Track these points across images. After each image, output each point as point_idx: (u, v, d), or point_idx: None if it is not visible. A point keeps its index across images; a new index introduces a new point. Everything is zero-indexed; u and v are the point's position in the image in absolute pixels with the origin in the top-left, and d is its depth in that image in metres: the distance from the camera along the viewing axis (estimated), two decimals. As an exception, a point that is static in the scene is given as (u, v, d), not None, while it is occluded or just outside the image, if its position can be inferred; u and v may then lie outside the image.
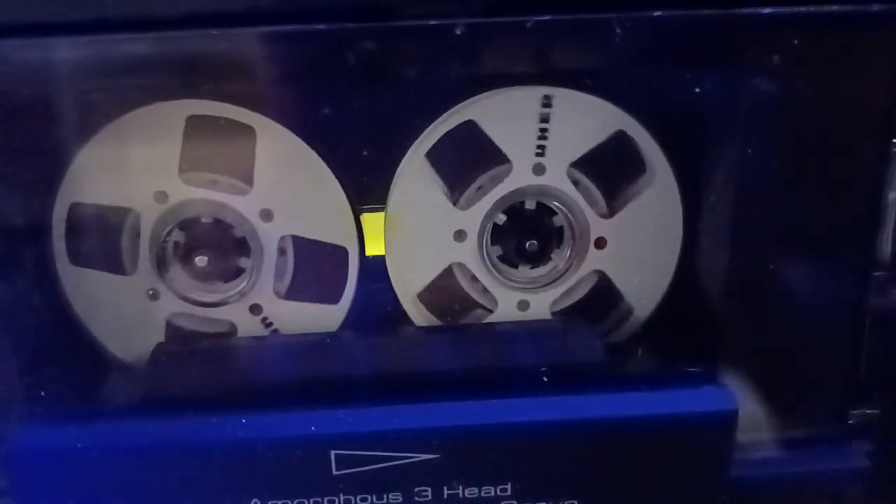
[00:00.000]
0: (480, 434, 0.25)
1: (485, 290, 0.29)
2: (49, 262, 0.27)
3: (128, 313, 0.28)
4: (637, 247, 0.29)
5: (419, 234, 0.28)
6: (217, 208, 0.28)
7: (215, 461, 0.25)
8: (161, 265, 0.28)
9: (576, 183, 0.28)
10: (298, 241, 0.28)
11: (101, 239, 0.28)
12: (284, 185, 0.28)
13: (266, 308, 0.29)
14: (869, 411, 0.29)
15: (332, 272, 0.29)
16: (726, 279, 0.28)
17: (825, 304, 0.28)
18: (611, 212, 0.28)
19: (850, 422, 0.29)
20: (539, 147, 0.27)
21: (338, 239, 0.28)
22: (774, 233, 0.27)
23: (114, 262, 0.28)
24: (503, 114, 0.27)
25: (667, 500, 0.26)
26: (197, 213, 0.28)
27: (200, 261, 0.28)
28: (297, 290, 0.29)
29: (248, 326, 0.29)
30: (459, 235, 0.28)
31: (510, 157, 0.27)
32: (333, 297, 0.29)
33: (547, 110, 0.27)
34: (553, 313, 0.30)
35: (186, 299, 0.28)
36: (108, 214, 0.28)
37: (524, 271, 0.29)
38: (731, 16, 0.23)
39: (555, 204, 0.28)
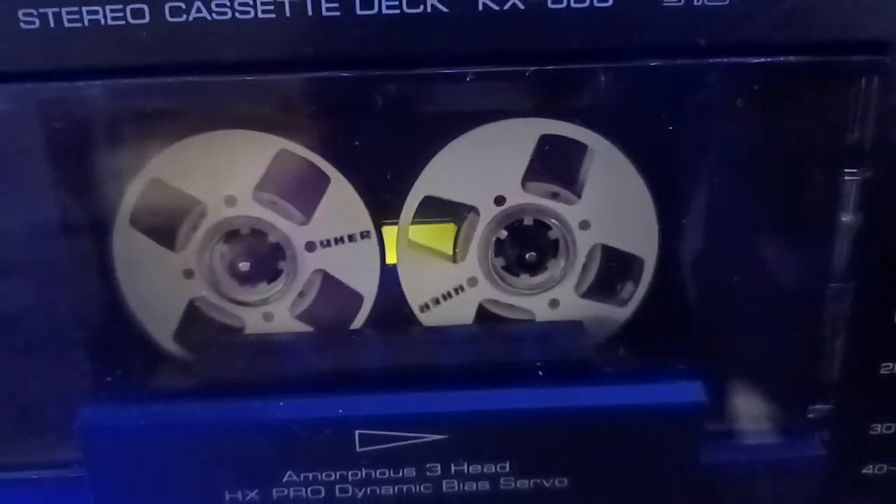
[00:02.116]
0: (483, 418, 0.28)
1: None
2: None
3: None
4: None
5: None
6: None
7: (255, 438, 0.28)
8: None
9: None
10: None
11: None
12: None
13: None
14: (825, 407, 0.31)
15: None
16: (699, 289, 0.30)
17: (787, 313, 0.30)
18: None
19: (810, 416, 0.31)
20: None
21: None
22: (743, 249, 0.30)
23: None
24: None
25: (644, 480, 0.29)
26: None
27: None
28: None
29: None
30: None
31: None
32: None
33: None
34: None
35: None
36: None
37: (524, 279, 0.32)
38: (701, 65, 0.26)
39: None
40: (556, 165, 0.30)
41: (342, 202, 0.30)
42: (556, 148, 0.29)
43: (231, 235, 0.31)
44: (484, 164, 0.29)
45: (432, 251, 0.31)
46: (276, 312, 0.31)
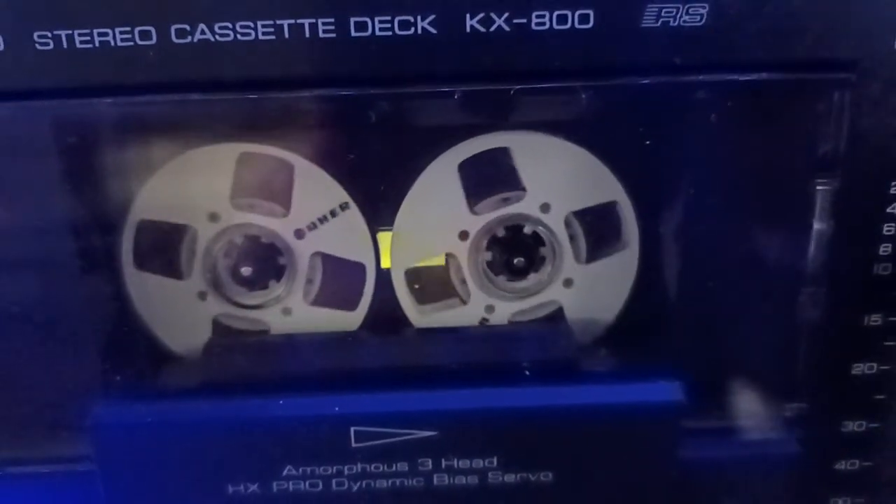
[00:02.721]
0: (471, 416, 0.29)
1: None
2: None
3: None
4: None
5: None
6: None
7: (257, 435, 0.29)
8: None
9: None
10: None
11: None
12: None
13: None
14: (799, 405, 0.31)
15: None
16: (679, 294, 0.31)
17: (763, 316, 0.31)
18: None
19: (785, 414, 0.32)
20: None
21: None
22: (722, 257, 0.30)
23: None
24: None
25: (625, 475, 0.30)
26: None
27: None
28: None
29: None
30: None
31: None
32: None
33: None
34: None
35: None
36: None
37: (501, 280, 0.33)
38: (679, 83, 0.27)
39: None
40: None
41: (312, 184, 0.31)
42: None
43: (230, 247, 0.32)
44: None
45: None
46: (292, 305, 0.32)
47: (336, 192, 0.31)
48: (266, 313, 0.33)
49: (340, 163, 0.31)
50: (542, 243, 0.32)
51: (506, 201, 0.32)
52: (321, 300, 0.33)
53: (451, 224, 0.32)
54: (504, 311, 0.33)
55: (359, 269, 0.32)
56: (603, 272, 0.33)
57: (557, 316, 0.33)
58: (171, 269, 0.32)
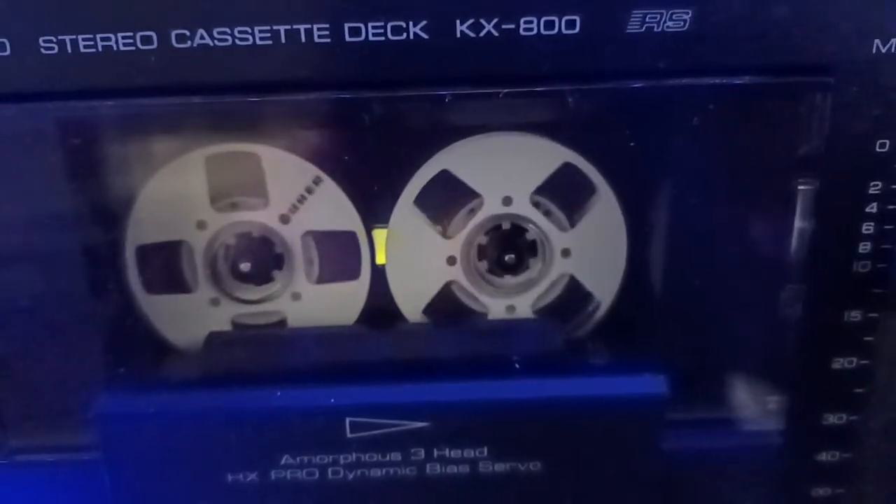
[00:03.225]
0: (462, 407, 0.30)
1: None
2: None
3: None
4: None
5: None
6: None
7: (255, 425, 0.30)
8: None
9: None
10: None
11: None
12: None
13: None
14: (782, 398, 0.32)
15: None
16: (666, 291, 0.32)
17: (746, 312, 0.32)
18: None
19: (768, 407, 0.32)
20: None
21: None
22: (707, 255, 0.31)
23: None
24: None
25: (612, 465, 0.31)
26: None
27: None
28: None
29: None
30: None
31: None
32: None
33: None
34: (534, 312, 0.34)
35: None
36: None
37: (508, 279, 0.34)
38: (663, 86, 0.28)
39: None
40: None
41: (279, 167, 0.32)
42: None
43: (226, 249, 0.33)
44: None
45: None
46: (300, 290, 0.33)
47: (309, 172, 0.32)
48: (278, 303, 0.34)
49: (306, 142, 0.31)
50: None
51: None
52: (325, 277, 0.33)
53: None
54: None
55: (350, 237, 0.33)
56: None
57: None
58: (179, 285, 0.33)
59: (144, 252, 0.32)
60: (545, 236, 0.33)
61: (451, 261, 0.33)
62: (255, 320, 0.34)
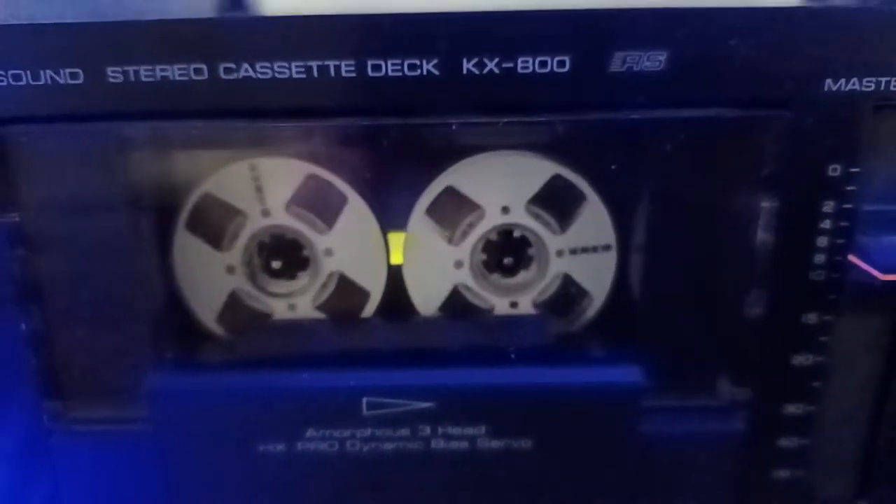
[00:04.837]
0: (464, 391, 0.32)
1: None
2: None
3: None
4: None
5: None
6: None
7: (284, 402, 0.32)
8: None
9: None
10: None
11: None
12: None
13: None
14: (747, 390, 0.34)
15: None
16: (646, 295, 0.35)
17: (717, 314, 0.34)
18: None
19: (735, 398, 0.34)
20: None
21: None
22: (680, 263, 0.33)
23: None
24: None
25: (593, 445, 0.33)
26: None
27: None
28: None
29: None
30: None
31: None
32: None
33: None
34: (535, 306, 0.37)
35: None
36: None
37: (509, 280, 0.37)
38: (640, 118, 0.30)
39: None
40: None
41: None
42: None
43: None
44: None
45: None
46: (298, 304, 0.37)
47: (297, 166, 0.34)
48: (277, 303, 0.36)
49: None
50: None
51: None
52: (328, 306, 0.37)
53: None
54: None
55: (339, 196, 0.35)
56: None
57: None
58: (215, 239, 0.35)
59: (208, 200, 0.35)
60: (540, 240, 0.37)
61: (459, 265, 0.37)
62: (250, 302, 0.36)
